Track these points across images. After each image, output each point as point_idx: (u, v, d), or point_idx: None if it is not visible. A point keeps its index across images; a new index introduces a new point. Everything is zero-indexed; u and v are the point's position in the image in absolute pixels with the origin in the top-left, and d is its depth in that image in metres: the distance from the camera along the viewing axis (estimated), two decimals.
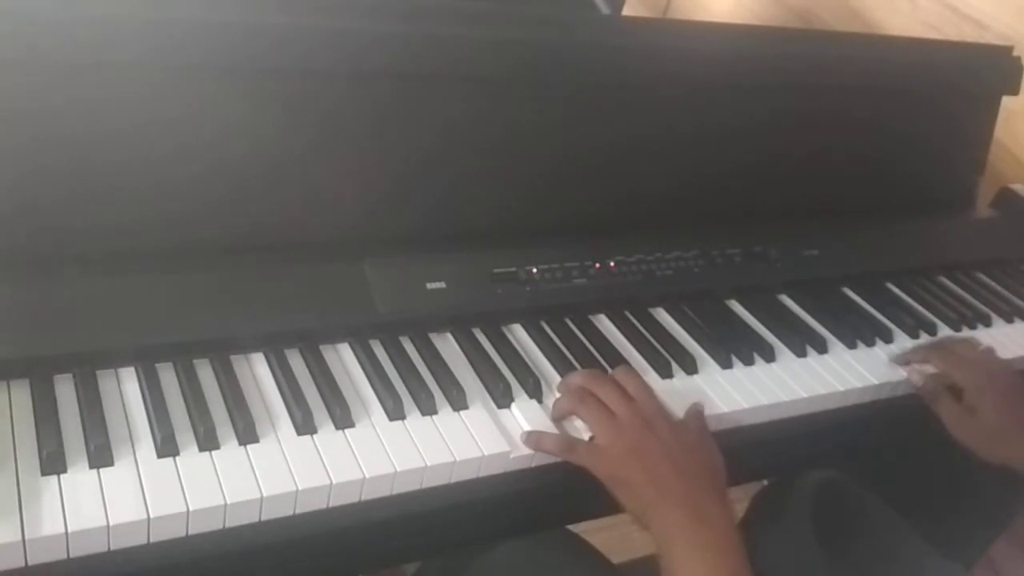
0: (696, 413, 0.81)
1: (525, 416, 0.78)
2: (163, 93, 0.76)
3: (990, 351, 0.99)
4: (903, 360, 0.96)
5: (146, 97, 0.76)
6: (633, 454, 0.73)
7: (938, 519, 1.18)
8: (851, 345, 0.98)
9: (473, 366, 0.82)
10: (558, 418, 0.78)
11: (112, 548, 0.61)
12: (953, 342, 0.99)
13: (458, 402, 0.77)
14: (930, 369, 0.94)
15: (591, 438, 0.76)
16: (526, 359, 0.84)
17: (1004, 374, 0.94)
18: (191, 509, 0.63)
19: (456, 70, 0.88)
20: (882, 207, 1.19)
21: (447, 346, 0.84)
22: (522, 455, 0.75)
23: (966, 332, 1.07)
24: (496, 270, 0.88)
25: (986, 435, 0.88)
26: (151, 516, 0.61)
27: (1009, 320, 1.12)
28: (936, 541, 1.03)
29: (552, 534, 0.89)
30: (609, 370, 0.85)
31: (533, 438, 0.75)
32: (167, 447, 0.66)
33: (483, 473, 0.74)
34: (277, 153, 0.82)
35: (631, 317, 0.94)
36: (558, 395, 0.81)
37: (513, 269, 0.89)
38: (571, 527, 0.89)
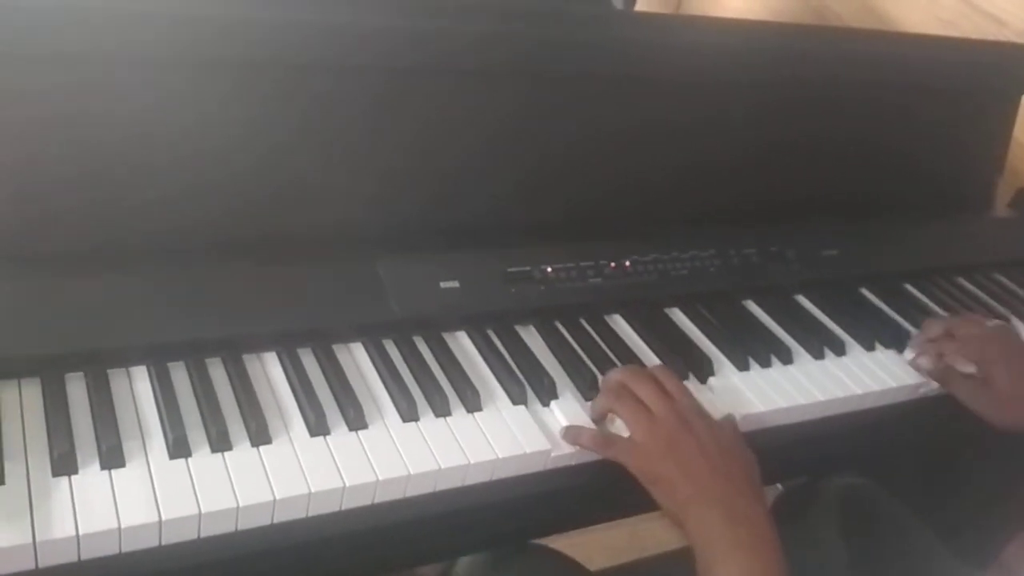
0: (730, 420, 0.80)
1: (539, 418, 0.77)
2: (173, 88, 0.75)
3: (997, 324, 1.00)
4: (915, 351, 0.95)
5: (155, 93, 0.75)
6: (669, 451, 0.73)
7: (953, 521, 1.17)
8: (869, 347, 0.97)
9: (487, 367, 0.81)
10: (597, 415, 0.78)
11: (123, 551, 0.61)
12: (958, 323, 0.98)
13: (472, 403, 0.76)
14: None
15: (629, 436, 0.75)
16: (540, 360, 0.83)
17: (1014, 341, 0.96)
18: (203, 511, 0.62)
19: (471, 65, 0.87)
20: (899, 207, 1.17)
21: (461, 346, 0.83)
22: (536, 457, 0.74)
23: None
24: (510, 269, 0.87)
25: (1001, 402, 0.90)
26: (163, 518, 0.61)
27: None
28: (950, 543, 1.03)
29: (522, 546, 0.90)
30: None
31: (571, 433, 0.75)
32: (179, 448, 0.65)
33: (497, 476, 0.73)
34: (291, 150, 0.81)
35: (647, 317, 0.93)
36: (572, 399, 0.80)
37: (527, 268, 0.88)
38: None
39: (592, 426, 0.77)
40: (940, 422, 0.93)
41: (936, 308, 1.08)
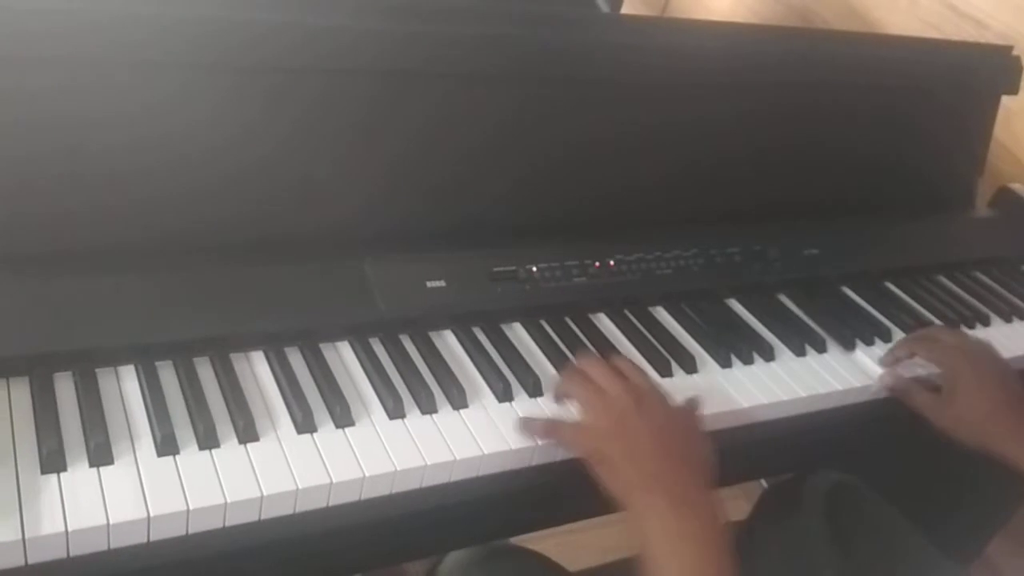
0: (692, 405, 0.80)
1: (525, 415, 0.78)
2: (162, 90, 0.76)
3: (968, 337, 0.99)
4: (890, 359, 0.95)
5: (143, 94, 0.75)
6: (617, 431, 0.71)
7: (937, 517, 1.18)
8: (850, 345, 0.98)
9: (473, 365, 0.82)
10: (556, 400, 0.79)
11: (112, 547, 0.61)
12: (932, 330, 0.99)
13: (458, 401, 0.77)
14: (909, 371, 0.95)
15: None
16: (526, 358, 0.84)
17: (982, 358, 0.94)
18: (191, 508, 0.63)
19: (457, 67, 0.88)
20: (881, 206, 1.19)
21: (447, 345, 0.84)
22: (522, 453, 0.75)
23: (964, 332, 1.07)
24: (496, 269, 0.88)
25: (965, 420, 0.89)
26: (151, 515, 0.61)
27: (1008, 320, 1.12)
28: (935, 539, 1.04)
29: (499, 545, 0.91)
30: None
31: (525, 424, 0.76)
32: (167, 446, 0.66)
33: (483, 472, 0.74)
34: (278, 151, 0.82)
35: (631, 316, 0.94)
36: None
37: (513, 268, 0.89)
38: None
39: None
40: (924, 419, 0.94)
41: (917, 306, 1.10)
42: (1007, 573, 1.39)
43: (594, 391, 0.75)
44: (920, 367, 0.95)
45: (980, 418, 0.89)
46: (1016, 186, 1.30)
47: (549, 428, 0.75)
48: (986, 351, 0.96)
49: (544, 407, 0.79)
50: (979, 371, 0.92)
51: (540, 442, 0.76)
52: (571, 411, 0.78)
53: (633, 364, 0.80)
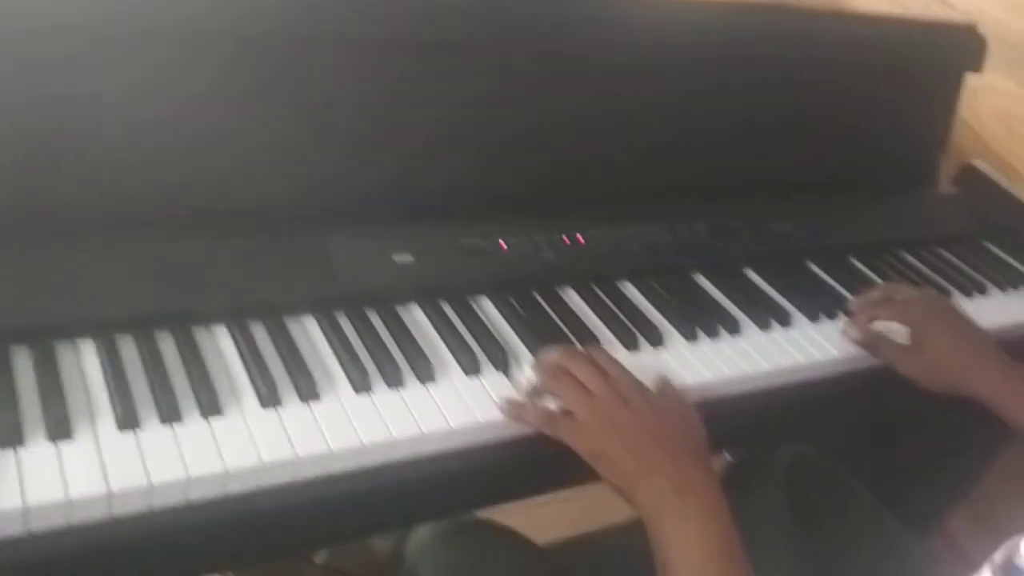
0: (667, 383, 0.81)
1: (493, 389, 0.78)
2: (121, 59, 0.75)
3: (930, 290, 1.03)
4: (852, 324, 0.97)
5: (101, 63, 0.74)
6: (611, 429, 0.73)
7: (899, 491, 1.20)
8: (814, 318, 0.99)
9: (440, 339, 0.82)
10: (536, 396, 0.78)
11: (72, 523, 0.60)
12: (891, 289, 1.01)
13: (425, 375, 0.77)
14: (876, 325, 0.96)
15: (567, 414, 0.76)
16: (493, 332, 0.84)
17: (939, 306, 0.98)
18: (153, 483, 0.62)
19: (426, 37, 0.87)
20: (845, 183, 1.20)
21: (414, 319, 0.84)
22: (490, 428, 0.75)
23: None
24: (464, 242, 0.87)
25: (933, 367, 0.92)
26: (112, 490, 0.61)
27: (969, 295, 1.13)
28: (898, 513, 1.06)
29: (466, 519, 0.92)
30: (577, 343, 0.85)
31: (514, 409, 0.75)
32: (128, 420, 0.65)
33: (450, 446, 0.74)
34: (240, 122, 0.81)
35: (598, 290, 0.94)
36: (527, 370, 0.81)
37: (481, 242, 0.88)
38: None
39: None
40: (886, 392, 0.96)
41: (880, 281, 1.11)
42: (966, 546, 1.42)
43: (580, 390, 0.75)
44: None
45: (947, 361, 0.91)
46: (978, 163, 1.32)
47: (544, 420, 0.75)
48: (940, 299, 1.01)
49: (510, 382, 0.79)
50: (940, 318, 0.95)
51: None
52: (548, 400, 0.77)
53: (610, 357, 0.79)
